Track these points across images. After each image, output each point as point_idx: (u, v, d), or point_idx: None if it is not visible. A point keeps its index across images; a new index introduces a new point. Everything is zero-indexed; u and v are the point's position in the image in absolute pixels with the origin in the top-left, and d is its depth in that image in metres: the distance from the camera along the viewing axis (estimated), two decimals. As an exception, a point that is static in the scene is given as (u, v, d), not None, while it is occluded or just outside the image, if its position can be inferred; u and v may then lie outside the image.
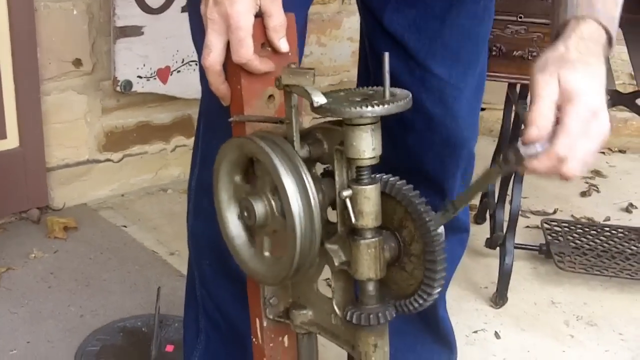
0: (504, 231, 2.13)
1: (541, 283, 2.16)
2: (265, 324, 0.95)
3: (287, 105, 0.83)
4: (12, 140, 2.17)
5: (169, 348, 1.76)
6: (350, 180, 0.81)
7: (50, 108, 2.25)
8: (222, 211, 0.89)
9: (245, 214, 0.86)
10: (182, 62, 2.37)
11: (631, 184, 2.83)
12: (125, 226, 2.30)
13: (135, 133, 2.47)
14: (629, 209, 2.63)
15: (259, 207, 0.84)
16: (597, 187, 2.77)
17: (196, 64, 2.40)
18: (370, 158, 0.79)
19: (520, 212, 2.26)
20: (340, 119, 0.79)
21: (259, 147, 0.81)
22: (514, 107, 2.16)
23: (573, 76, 0.84)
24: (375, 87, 0.83)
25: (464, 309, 2.02)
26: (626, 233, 2.34)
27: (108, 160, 2.44)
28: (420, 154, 1.32)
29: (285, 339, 0.98)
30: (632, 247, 2.27)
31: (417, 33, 1.24)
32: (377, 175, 0.81)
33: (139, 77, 2.30)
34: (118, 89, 2.28)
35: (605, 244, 2.25)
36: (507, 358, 1.85)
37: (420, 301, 0.82)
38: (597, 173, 2.88)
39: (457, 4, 1.22)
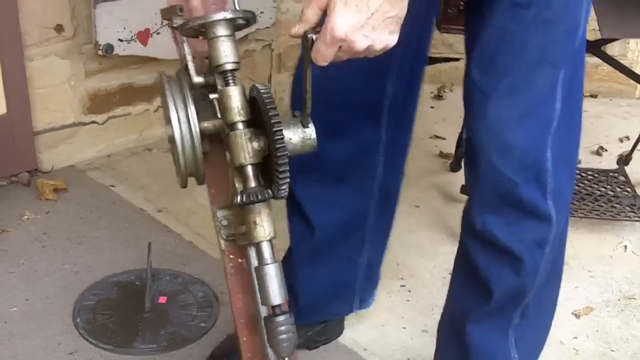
0: (477, 178, 2.22)
1: (514, 226, 2.25)
2: (222, 246, 1.08)
3: (179, 40, 1.01)
4: (-1, 107, 2.19)
5: (162, 299, 1.82)
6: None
7: (35, 73, 2.26)
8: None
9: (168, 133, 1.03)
10: (162, 23, 2.38)
11: (602, 128, 2.91)
12: (113, 186, 2.34)
13: (119, 95, 2.50)
14: (599, 152, 2.71)
15: (169, 130, 1.00)
16: (568, 132, 2.85)
17: (175, 25, 2.44)
18: (224, 63, 0.96)
19: (493, 159, 2.33)
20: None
21: (160, 80, 1.00)
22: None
23: None
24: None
25: (440, 251, 2.11)
26: (595, 175, 2.42)
27: (93, 122, 2.47)
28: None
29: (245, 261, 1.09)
30: (601, 189, 2.35)
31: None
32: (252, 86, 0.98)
33: (120, 40, 2.32)
34: (100, 52, 2.30)
35: (575, 187, 2.33)
36: (482, 297, 1.95)
37: (280, 187, 0.97)
38: (569, 118, 2.96)
39: (498, 2, 1.15)
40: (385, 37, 0.95)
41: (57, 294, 1.84)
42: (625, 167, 2.45)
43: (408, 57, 1.36)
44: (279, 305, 0.97)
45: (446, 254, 2.09)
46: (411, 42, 1.33)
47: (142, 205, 2.24)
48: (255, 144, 0.96)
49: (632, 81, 2.55)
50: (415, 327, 1.81)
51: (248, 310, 1.08)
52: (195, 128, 0.97)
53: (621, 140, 2.82)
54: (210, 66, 0.99)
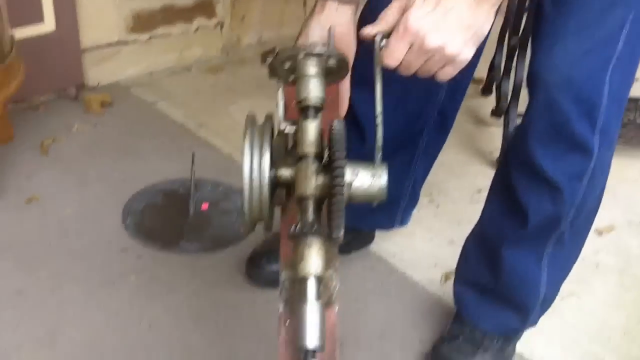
0: (508, 101, 2.28)
1: (541, 148, 2.31)
2: (281, 309, 0.96)
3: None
4: (49, 24, 2.26)
5: (204, 206, 1.91)
6: None
7: (82, -8, 2.33)
8: None
9: None
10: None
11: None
12: (155, 102, 2.43)
13: (160, 15, 2.57)
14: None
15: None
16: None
17: (216, -53, 2.48)
18: (304, 99, 0.95)
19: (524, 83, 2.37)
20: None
21: (245, 124, 0.95)
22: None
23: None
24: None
25: (470, 171, 2.18)
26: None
27: (136, 41, 2.55)
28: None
29: None
30: (630, 117, 2.39)
31: None
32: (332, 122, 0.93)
33: (164, -40, 2.39)
34: (144, -27, 2.38)
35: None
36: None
37: (332, 228, 0.90)
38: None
39: None
40: (459, 44, 0.99)
41: (107, 198, 1.94)
42: (654, 96, 2.49)
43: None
44: (312, 351, 0.85)
45: (474, 174, 2.17)
46: None
47: (183, 121, 2.33)
48: (320, 178, 0.91)
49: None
50: (443, 239, 1.91)
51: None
52: (264, 177, 0.91)
53: (652, 70, 2.83)
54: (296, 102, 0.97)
